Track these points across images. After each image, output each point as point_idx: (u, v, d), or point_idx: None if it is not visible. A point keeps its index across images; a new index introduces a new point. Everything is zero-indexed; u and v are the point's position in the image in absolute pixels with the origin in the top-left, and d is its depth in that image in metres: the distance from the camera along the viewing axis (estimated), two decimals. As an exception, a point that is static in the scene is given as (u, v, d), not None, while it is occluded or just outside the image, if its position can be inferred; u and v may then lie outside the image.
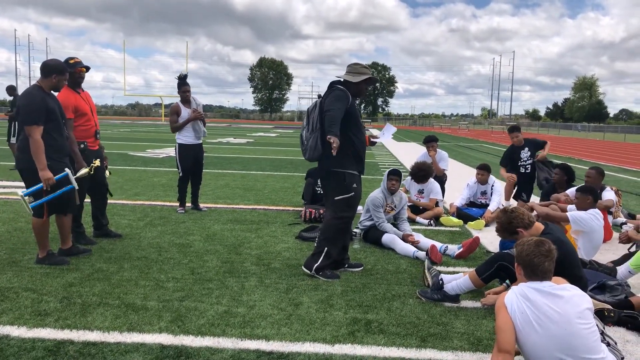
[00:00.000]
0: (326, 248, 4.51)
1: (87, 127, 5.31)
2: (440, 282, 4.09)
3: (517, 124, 8.29)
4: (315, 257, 4.53)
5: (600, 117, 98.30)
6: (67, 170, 4.60)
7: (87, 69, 5.29)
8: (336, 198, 4.51)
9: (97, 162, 5.08)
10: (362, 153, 4.61)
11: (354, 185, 4.53)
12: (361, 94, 4.67)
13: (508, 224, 3.80)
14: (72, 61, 5.18)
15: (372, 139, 5.03)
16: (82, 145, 5.22)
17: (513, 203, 7.82)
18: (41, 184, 4.42)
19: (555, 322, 2.58)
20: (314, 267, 4.50)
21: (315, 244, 4.66)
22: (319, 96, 4.59)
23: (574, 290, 2.72)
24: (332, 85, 4.57)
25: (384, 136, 4.81)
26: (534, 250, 2.78)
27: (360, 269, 4.80)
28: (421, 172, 7.21)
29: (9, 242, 5.40)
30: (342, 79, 4.57)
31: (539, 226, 3.83)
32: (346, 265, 4.78)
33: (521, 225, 3.77)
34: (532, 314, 2.61)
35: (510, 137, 8.07)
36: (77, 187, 4.65)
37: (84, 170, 4.88)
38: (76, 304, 3.76)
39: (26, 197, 4.47)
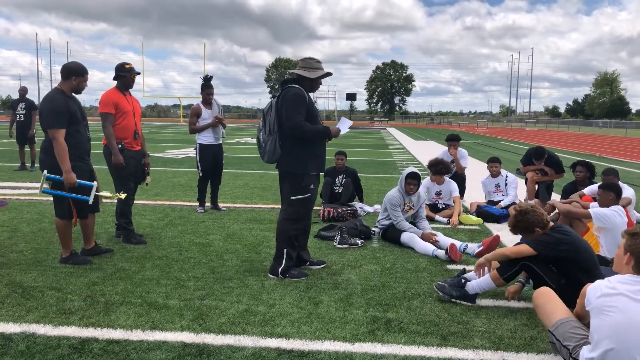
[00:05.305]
0: (285, 250, 4.49)
1: (124, 126, 5.42)
2: (462, 280, 4.07)
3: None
4: (278, 261, 4.51)
5: (622, 113, 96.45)
6: (95, 183, 4.66)
7: (138, 74, 5.61)
8: (292, 198, 4.47)
9: (110, 195, 4.94)
10: (320, 151, 4.55)
11: (311, 186, 4.49)
12: (315, 89, 4.61)
13: (528, 224, 3.83)
14: (127, 66, 5.50)
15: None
16: (119, 145, 5.34)
17: (531, 202, 7.74)
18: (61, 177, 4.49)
19: None
20: (280, 271, 4.46)
21: (275, 249, 4.62)
22: (274, 96, 4.51)
23: None
24: (286, 83, 4.50)
25: (340, 130, 4.77)
26: None
27: (322, 266, 4.79)
28: (440, 165, 7.28)
29: (34, 242, 5.51)
30: (295, 75, 4.48)
31: (551, 223, 3.90)
32: (307, 263, 4.76)
33: (540, 225, 3.83)
34: None
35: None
36: (90, 202, 4.65)
37: (106, 193, 4.86)
38: (99, 302, 3.83)
39: (47, 181, 4.54)
